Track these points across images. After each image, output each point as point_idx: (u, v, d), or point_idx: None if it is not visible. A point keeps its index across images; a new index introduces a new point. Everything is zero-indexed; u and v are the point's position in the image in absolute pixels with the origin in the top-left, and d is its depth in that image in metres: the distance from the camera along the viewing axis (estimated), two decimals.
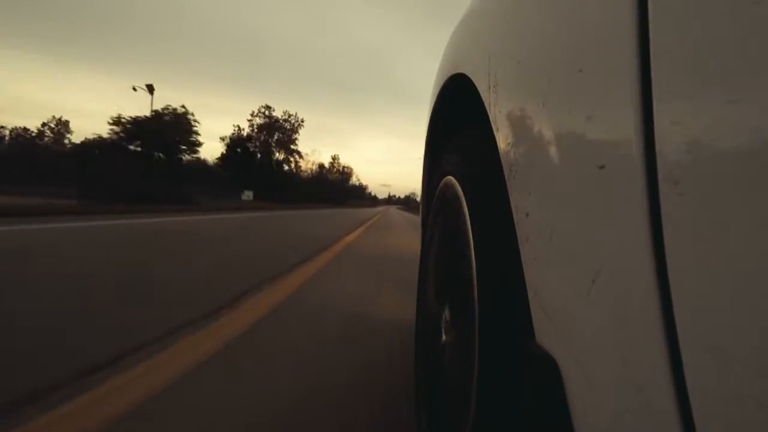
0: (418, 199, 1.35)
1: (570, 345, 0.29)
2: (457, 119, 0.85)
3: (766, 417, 0.16)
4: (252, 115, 44.97)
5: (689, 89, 0.20)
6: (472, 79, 0.56)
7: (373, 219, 13.40)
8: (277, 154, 45.47)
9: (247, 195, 30.06)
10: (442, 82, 0.78)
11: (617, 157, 0.25)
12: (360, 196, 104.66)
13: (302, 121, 47.49)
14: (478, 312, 0.42)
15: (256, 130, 44.83)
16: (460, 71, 0.63)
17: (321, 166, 62.50)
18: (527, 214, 0.36)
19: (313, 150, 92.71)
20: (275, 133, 45.32)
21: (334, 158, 74.27)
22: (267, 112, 45.94)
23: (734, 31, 0.18)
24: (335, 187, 65.66)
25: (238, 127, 43.66)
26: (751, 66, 0.17)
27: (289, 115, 47.20)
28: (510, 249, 0.39)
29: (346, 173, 79.30)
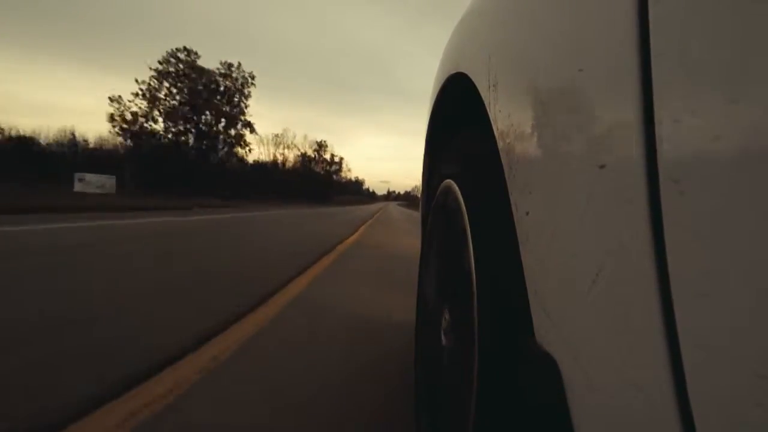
0: (419, 194, 1.34)
1: (570, 345, 0.29)
2: (457, 118, 0.85)
3: (766, 417, 0.16)
4: (161, 62, 26.17)
5: (689, 89, 0.20)
6: (472, 78, 0.56)
7: (355, 234, 6.09)
8: (220, 127, 29.14)
9: (92, 183, 17.83)
10: (442, 81, 0.78)
11: (617, 157, 0.25)
12: (356, 191, 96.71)
13: (252, 78, 30.16)
14: (478, 312, 0.42)
15: (165, 86, 26.15)
16: (460, 70, 0.63)
17: (304, 155, 49.52)
18: (527, 214, 0.36)
19: (285, 129, 64.89)
20: (210, 95, 27.89)
21: (320, 145, 55.53)
22: (188, 58, 26.98)
23: (734, 31, 0.18)
24: (321, 180, 51.78)
25: (149, 84, 25.68)
26: (751, 66, 0.17)
27: (230, 66, 29.34)
28: (510, 249, 0.39)
29: (335, 163, 61.94)
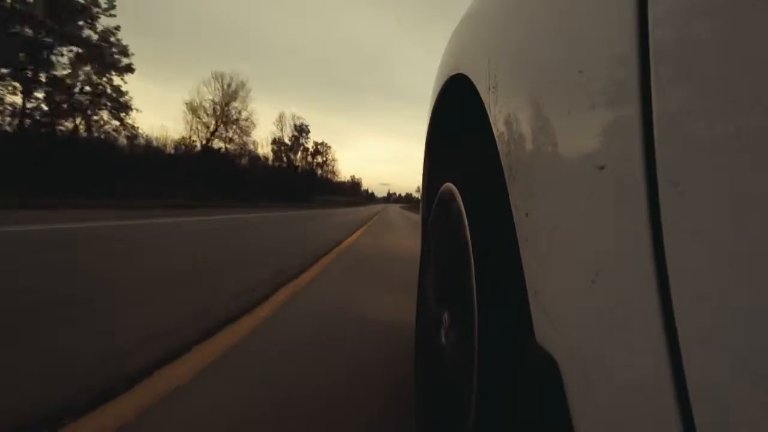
0: (418, 196, 1.34)
1: (570, 345, 0.29)
2: (458, 120, 0.85)
3: (766, 417, 0.16)
4: None
5: (689, 90, 0.20)
6: (472, 79, 0.56)
7: None
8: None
9: None
10: (442, 83, 0.78)
11: (617, 157, 0.25)
12: (352, 192, 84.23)
13: None
14: (478, 312, 0.42)
15: None
16: (460, 72, 0.63)
17: (277, 141, 36.83)
18: (527, 215, 0.36)
19: (239, 83, 30.18)
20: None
21: (300, 129, 41.07)
22: None
23: (734, 32, 0.18)
24: (295, 174, 37.80)
25: None
26: (751, 66, 0.17)
27: None
28: (510, 249, 0.39)
29: (319, 153, 46.16)
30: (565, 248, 0.30)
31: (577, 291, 0.28)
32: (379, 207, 48.43)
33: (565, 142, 0.31)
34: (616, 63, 0.25)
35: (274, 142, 37.64)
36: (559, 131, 0.32)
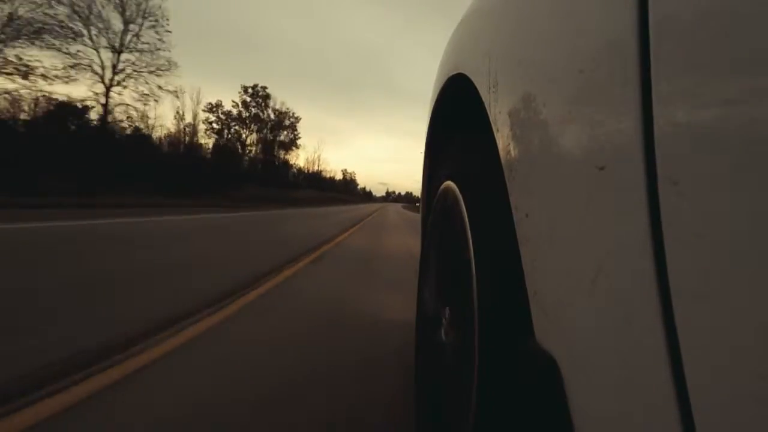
0: (418, 195, 1.34)
1: (570, 345, 0.29)
2: (458, 119, 0.85)
3: (766, 417, 0.16)
4: None
5: (689, 89, 0.20)
6: (472, 79, 0.56)
7: None
8: None
9: None
10: (442, 82, 0.78)
11: (617, 157, 0.25)
12: (345, 190, 73.51)
13: None
14: (478, 312, 0.42)
15: None
16: (460, 71, 0.63)
17: (215, 108, 25.61)
18: (527, 215, 0.36)
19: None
20: None
21: (253, 93, 28.30)
22: None
23: (734, 32, 0.18)
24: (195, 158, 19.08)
25: None
26: (751, 66, 0.17)
27: None
28: (510, 249, 0.39)
29: (284, 126, 32.01)
30: (565, 248, 0.30)
31: (577, 291, 0.28)
32: (376, 206, 41.15)
33: (565, 142, 0.31)
34: (616, 63, 0.25)
35: (210, 109, 24.00)
36: (559, 131, 0.32)
